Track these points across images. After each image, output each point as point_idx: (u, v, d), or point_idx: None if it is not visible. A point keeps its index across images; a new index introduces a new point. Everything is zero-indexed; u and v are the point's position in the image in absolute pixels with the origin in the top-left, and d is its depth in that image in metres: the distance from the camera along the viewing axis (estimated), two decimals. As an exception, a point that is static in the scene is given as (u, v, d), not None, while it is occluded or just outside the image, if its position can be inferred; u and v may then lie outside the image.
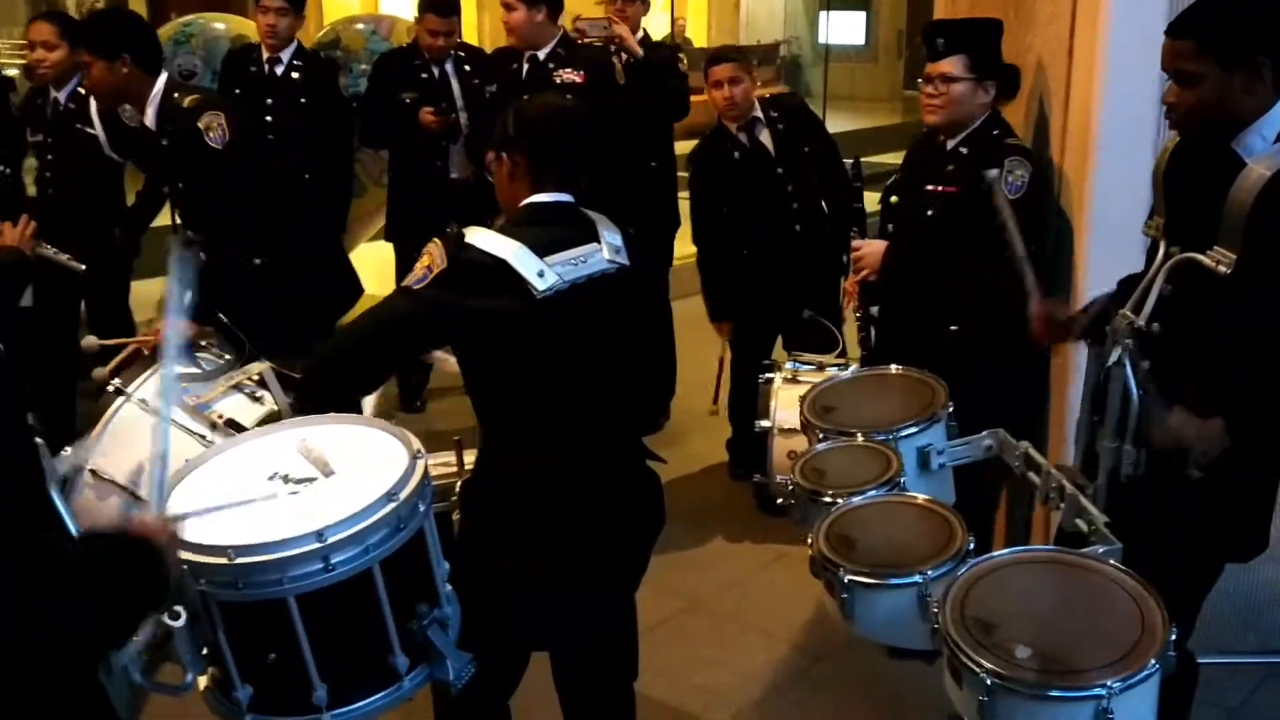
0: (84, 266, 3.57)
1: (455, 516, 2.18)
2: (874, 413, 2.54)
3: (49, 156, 4.16)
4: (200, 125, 3.24)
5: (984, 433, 2.45)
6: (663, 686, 3.03)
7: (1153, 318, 2.15)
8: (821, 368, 3.59)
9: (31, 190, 4.30)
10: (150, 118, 3.32)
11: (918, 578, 1.95)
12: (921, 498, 2.21)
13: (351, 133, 4.78)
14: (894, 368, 2.76)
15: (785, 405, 3.45)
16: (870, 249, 3.14)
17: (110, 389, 2.72)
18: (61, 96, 4.10)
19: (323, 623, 1.69)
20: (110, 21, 3.40)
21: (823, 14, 15.97)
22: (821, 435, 2.50)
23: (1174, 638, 1.76)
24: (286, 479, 1.78)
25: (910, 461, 2.38)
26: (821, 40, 15.38)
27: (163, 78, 3.32)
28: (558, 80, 4.18)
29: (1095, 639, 1.78)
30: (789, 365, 3.59)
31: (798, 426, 3.34)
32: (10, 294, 3.21)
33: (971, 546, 2.01)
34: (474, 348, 2.03)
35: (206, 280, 3.23)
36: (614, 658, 2.29)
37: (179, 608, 1.65)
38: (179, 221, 3.45)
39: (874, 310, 3.32)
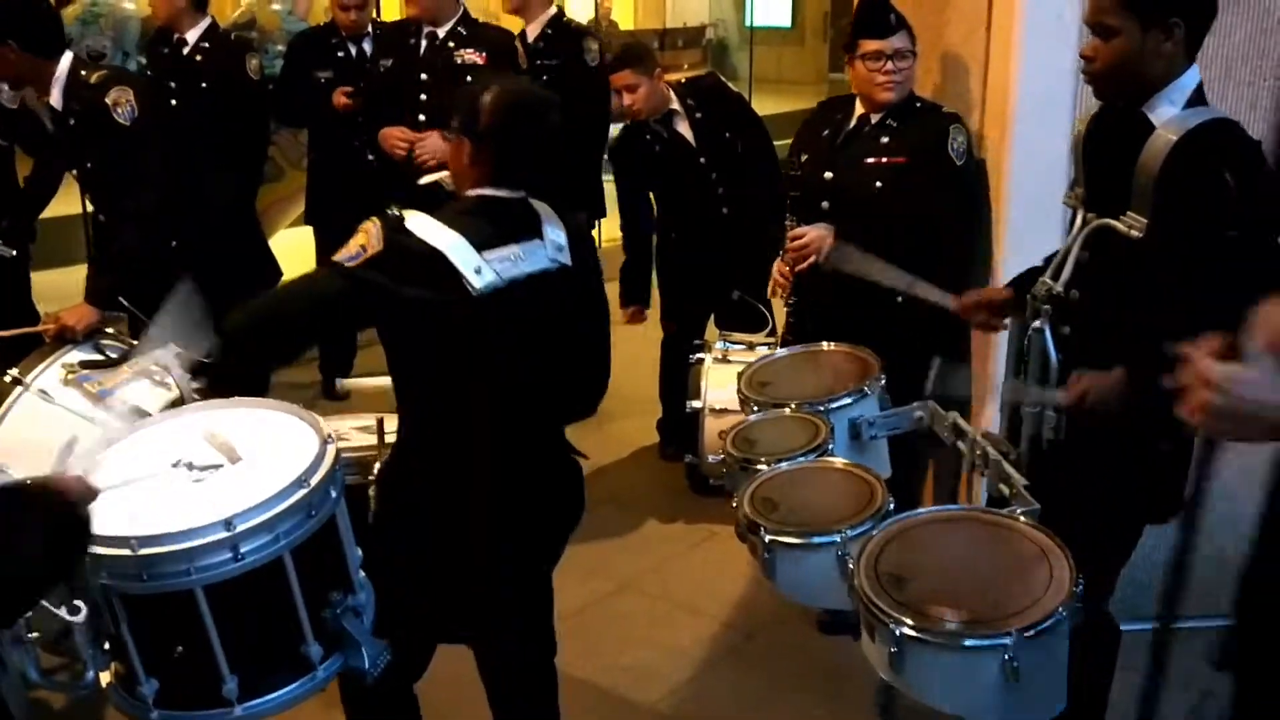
0: (14, 252, 3.41)
1: (371, 493, 2.14)
2: (808, 386, 2.57)
3: None
4: (108, 101, 3.14)
5: (914, 404, 2.47)
6: (591, 668, 3.01)
7: (1071, 284, 2.19)
8: (751, 347, 3.59)
9: None
10: (56, 98, 3.20)
11: (836, 536, 1.96)
12: (843, 462, 2.23)
13: (261, 116, 4.64)
14: (828, 345, 2.76)
15: (716, 385, 3.44)
16: (815, 234, 3.09)
17: (8, 379, 2.62)
18: None
19: (232, 613, 1.63)
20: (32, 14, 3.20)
21: (750, -4, 15.96)
22: (755, 408, 2.52)
23: (1080, 589, 1.78)
24: (191, 466, 1.71)
25: (842, 433, 2.40)
26: (748, 23, 15.26)
27: (67, 57, 3.19)
28: (458, 60, 4.07)
29: (1004, 591, 1.80)
30: (719, 345, 3.58)
31: (729, 406, 3.34)
32: None
33: (891, 507, 2.04)
34: (400, 335, 1.98)
35: (114, 264, 3.17)
36: (527, 639, 2.28)
37: (78, 601, 1.59)
38: (89, 208, 3.32)
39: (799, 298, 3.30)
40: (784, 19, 17.43)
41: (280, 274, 4.62)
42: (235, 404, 1.87)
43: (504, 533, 2.05)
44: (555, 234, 2.04)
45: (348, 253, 1.91)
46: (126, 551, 1.57)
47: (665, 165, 4.00)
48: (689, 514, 3.96)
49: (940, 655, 1.71)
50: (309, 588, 1.68)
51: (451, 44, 4.09)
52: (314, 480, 1.67)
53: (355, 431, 2.55)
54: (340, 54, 4.66)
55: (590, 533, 2.26)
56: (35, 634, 1.60)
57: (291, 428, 1.81)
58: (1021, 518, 1.95)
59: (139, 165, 3.19)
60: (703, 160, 3.98)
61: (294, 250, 5.12)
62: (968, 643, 1.70)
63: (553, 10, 4.53)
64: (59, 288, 4.15)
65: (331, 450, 1.73)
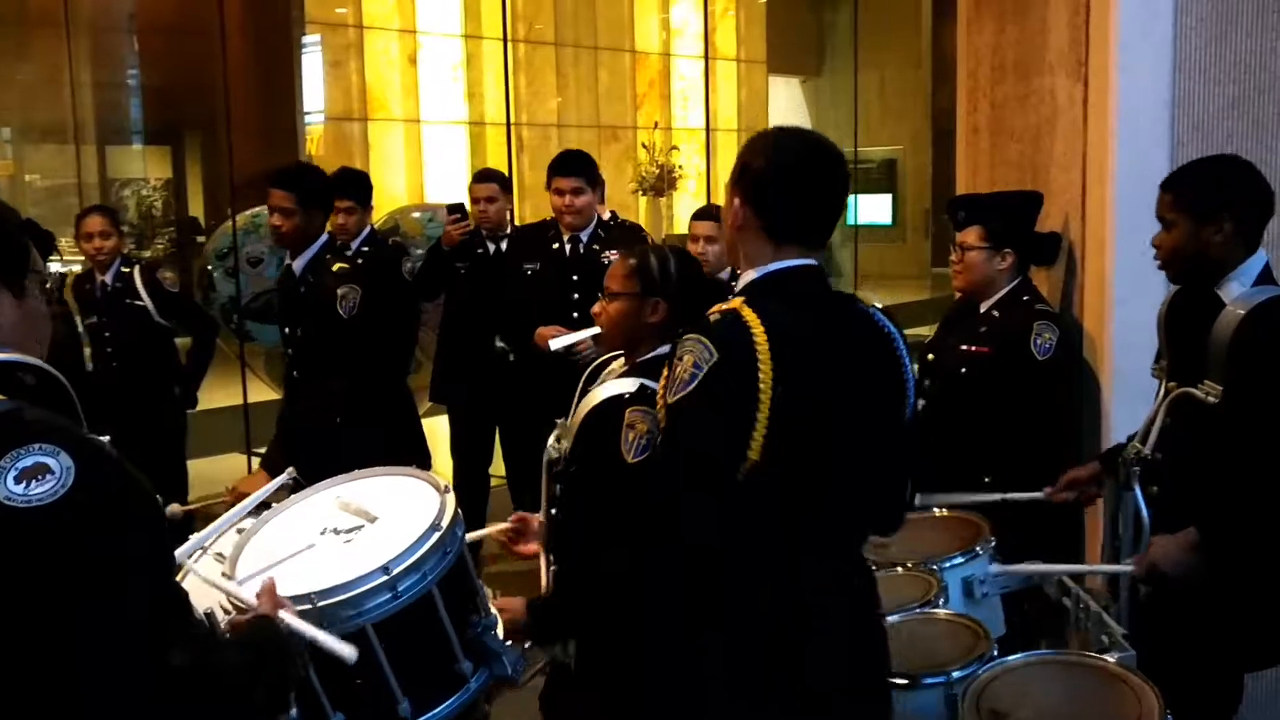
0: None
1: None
2: (922, 546, 2.75)
3: (106, 334, 4.58)
4: (339, 292, 3.62)
5: (1024, 562, 2.66)
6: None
7: (1156, 447, 2.44)
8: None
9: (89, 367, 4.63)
10: (300, 264, 3.71)
11: (944, 677, 2.19)
12: (947, 613, 2.44)
13: (414, 312, 5.03)
14: (939, 510, 2.96)
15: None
16: None
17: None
18: (108, 278, 4.55)
19: (397, 643, 1.94)
20: (323, 178, 3.82)
21: (851, 197, 16.42)
22: (874, 566, 2.74)
23: None
24: (338, 531, 2.06)
25: (956, 591, 2.60)
26: (850, 221, 15.06)
27: (325, 237, 3.74)
28: (605, 260, 4.44)
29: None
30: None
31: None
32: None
33: (995, 652, 2.27)
34: None
35: (290, 433, 3.59)
36: None
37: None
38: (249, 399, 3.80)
39: None
40: (885, 217, 18.14)
41: (429, 461, 4.86)
42: (353, 476, 2.22)
43: None
44: None
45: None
46: (308, 606, 1.88)
47: None
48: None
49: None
50: (454, 613, 2.00)
51: (595, 246, 4.57)
52: (444, 523, 2.00)
53: None
54: (479, 250, 5.01)
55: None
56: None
57: (409, 485, 2.16)
58: (1112, 660, 2.15)
59: (338, 354, 3.65)
60: None
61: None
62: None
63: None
64: (206, 475, 4.61)
65: (450, 497, 2.07)
